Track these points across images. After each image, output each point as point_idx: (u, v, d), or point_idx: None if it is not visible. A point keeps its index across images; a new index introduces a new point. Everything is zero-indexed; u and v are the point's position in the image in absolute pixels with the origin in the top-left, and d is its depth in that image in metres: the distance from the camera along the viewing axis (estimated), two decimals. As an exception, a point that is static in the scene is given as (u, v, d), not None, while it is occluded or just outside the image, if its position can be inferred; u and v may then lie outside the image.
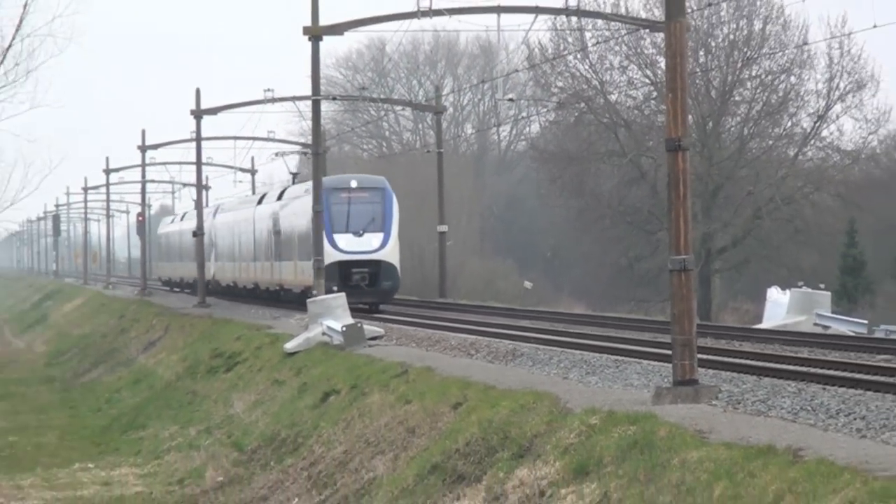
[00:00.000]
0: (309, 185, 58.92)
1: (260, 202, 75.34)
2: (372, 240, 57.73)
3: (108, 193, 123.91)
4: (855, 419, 20.88)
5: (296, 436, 35.05)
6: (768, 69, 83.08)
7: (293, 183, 73.73)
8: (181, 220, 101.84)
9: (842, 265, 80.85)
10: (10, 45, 36.26)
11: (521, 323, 48.29)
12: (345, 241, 57.36)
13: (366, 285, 57.08)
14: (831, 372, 27.27)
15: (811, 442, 18.83)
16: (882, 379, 25.54)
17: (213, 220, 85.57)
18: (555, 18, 62.28)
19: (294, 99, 70.75)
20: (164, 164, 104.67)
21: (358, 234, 57.67)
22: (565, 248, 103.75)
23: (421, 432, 28.25)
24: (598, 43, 79.78)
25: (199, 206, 79.60)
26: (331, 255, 55.66)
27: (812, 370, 27.67)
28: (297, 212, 62.03)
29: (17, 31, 36.37)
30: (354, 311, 48.89)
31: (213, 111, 69.94)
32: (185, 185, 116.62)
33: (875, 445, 18.83)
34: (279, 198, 68.80)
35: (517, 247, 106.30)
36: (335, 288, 52.22)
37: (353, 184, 59.40)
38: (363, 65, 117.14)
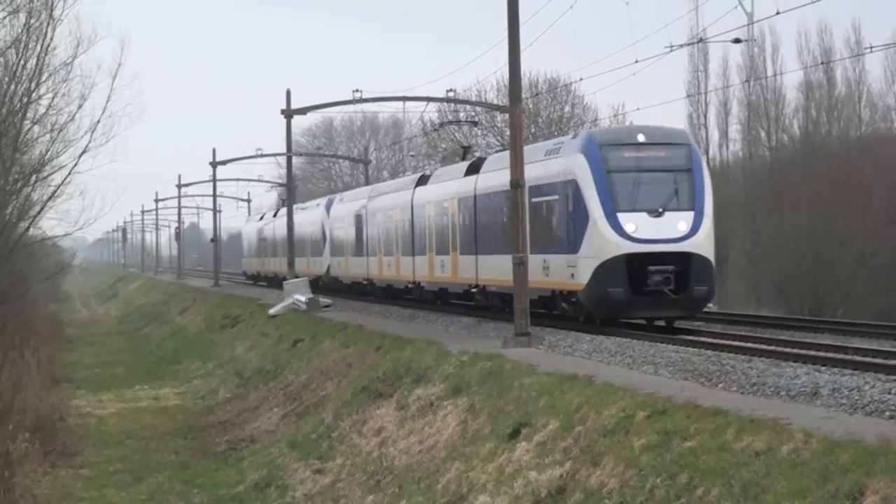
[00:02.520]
0: (505, 154, 29.48)
1: (421, 183, 39.48)
2: (678, 222, 25.21)
3: (156, 215, 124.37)
4: (626, 357, 21.02)
5: (276, 368, 34.86)
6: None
7: (463, 158, 40.81)
8: (274, 216, 67.39)
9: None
10: (98, 121, 36.53)
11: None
12: (635, 223, 25.04)
13: (670, 290, 24.78)
14: (610, 328, 27.41)
15: (600, 371, 18.97)
16: (642, 332, 25.66)
17: (329, 213, 52.59)
18: (440, 104, 62.47)
19: (275, 154, 71.53)
20: (192, 196, 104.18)
21: (655, 213, 25.16)
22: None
23: (355, 366, 28.18)
24: (467, 118, 79.94)
25: (214, 222, 78.98)
26: (613, 246, 24.98)
27: (601, 327, 27.75)
28: (498, 186, 29.90)
29: (102, 112, 36.76)
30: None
31: (224, 163, 69.27)
32: (205, 209, 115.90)
33: (638, 374, 18.99)
34: (471, 172, 34.08)
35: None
36: (620, 292, 24.85)
37: (641, 137, 25.93)
38: (319, 132, 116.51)
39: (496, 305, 31.84)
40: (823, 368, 17.74)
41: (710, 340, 23.04)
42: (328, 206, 53.55)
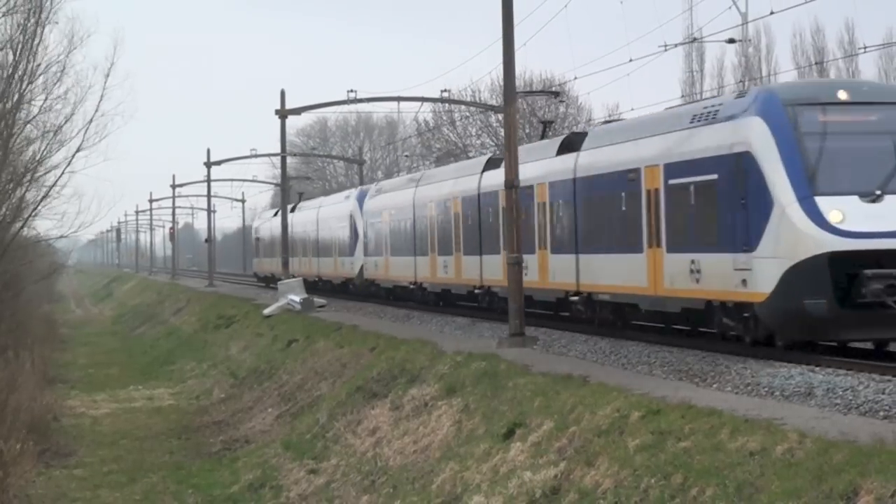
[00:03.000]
0: (622, 124, 26.39)
1: (491, 166, 32.09)
2: None
3: (151, 215, 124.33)
4: (620, 358, 21.06)
5: (270, 368, 34.81)
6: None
7: (543, 135, 34.53)
8: (291, 211, 56.50)
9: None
10: (91, 120, 36.58)
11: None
12: (841, 211, 17.67)
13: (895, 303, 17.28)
14: (604, 329, 27.38)
15: (594, 372, 18.99)
16: (637, 333, 25.63)
17: (361, 206, 44.73)
18: (434, 104, 62.55)
19: (269, 155, 71.65)
20: (186, 196, 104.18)
21: (870, 196, 17.78)
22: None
23: (350, 366, 28.15)
24: (461, 119, 79.94)
25: (209, 222, 79.00)
26: (812, 242, 17.72)
27: (592, 328, 27.74)
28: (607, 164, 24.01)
29: (95, 111, 36.78)
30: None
31: (218, 163, 69.25)
32: (200, 209, 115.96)
33: (632, 374, 19.03)
34: (565, 149, 26.84)
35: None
36: (822, 305, 17.65)
37: (843, 94, 18.55)
38: (314, 133, 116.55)
39: (607, 318, 24.97)
40: (818, 369, 17.74)
41: (704, 341, 23.05)
42: (360, 199, 45.32)
